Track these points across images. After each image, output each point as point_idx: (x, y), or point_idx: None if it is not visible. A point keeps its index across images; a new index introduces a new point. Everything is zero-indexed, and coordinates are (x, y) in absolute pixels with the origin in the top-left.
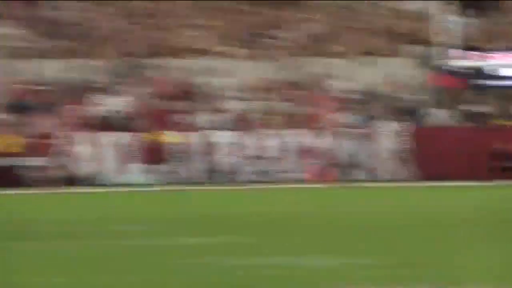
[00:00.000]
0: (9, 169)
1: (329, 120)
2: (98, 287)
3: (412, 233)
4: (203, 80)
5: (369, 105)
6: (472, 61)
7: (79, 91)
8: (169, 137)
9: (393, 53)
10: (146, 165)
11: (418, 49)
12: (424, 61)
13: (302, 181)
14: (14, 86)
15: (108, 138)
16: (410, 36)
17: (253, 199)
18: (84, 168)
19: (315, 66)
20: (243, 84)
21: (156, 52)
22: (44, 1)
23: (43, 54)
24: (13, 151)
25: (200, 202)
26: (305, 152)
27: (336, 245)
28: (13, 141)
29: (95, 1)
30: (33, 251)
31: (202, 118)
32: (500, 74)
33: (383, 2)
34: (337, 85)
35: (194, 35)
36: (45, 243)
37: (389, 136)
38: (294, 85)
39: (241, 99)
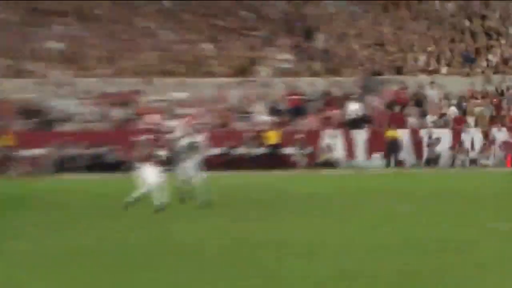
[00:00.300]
0: (275, 154)
1: None
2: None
3: None
4: (428, 92)
5: None
6: None
7: (335, 100)
8: (393, 133)
9: None
10: (381, 154)
11: None
12: None
13: (504, 166)
14: (288, 97)
15: (355, 133)
16: None
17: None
18: (336, 155)
19: (506, 81)
20: (458, 94)
21: (396, 70)
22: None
23: (305, 74)
24: (276, 142)
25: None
26: (505, 144)
27: None
28: (276, 135)
29: (348, 34)
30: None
31: (427, 119)
32: None
33: None
34: None
35: (422, 58)
36: (342, 209)
37: None
38: (496, 94)
39: (457, 105)
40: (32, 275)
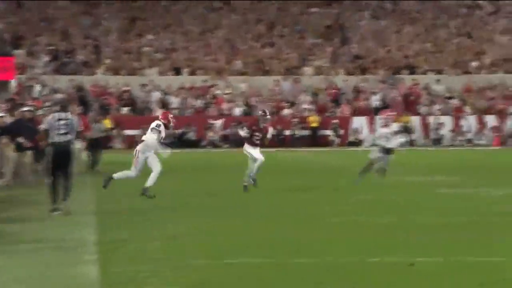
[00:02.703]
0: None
1: None
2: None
3: None
4: (435, 87)
5: None
6: None
7: (363, 93)
8: (407, 119)
9: None
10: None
11: None
12: None
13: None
14: (327, 90)
15: (378, 119)
16: None
17: None
18: (362, 136)
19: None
20: (458, 89)
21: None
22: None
23: (340, 72)
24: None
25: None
26: (494, 128)
27: None
28: (317, 119)
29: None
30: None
31: (434, 108)
32: None
33: None
34: None
35: (428, 60)
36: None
37: None
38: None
39: (457, 97)
40: None
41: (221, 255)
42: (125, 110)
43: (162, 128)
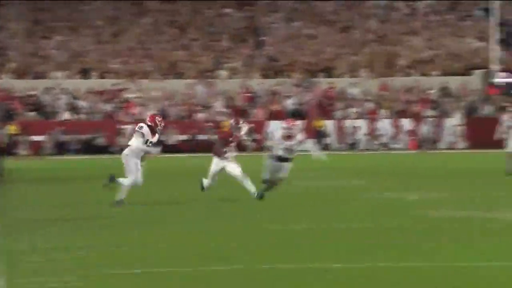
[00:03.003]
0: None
1: None
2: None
3: None
4: (351, 90)
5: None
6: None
7: (278, 96)
8: (320, 123)
9: None
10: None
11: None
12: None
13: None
14: (242, 94)
15: None
16: None
17: None
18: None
19: None
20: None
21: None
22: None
23: (255, 75)
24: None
25: None
26: (410, 132)
27: None
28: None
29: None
30: None
31: (349, 111)
32: None
33: None
34: None
35: (348, 63)
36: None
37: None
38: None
39: (373, 101)
40: None
41: (131, 265)
42: (31, 115)
43: (145, 130)
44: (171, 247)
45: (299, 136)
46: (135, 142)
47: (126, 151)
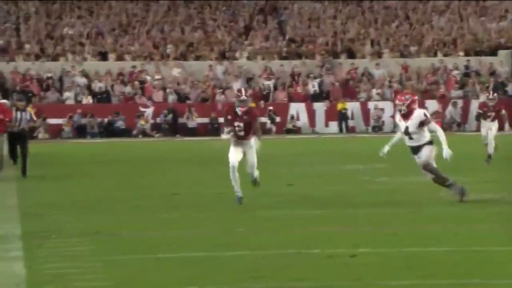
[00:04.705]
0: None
1: None
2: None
3: None
4: (374, 71)
5: None
6: None
7: (300, 78)
8: (344, 105)
9: None
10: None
11: None
12: None
13: None
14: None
15: (316, 105)
16: None
17: None
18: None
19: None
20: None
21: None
22: None
23: (276, 57)
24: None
25: None
26: (436, 113)
27: None
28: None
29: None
30: None
31: (373, 93)
32: None
33: None
34: None
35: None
36: None
37: None
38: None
39: (398, 82)
40: None
41: (152, 250)
42: (49, 97)
43: None
44: (192, 232)
45: None
46: None
47: None
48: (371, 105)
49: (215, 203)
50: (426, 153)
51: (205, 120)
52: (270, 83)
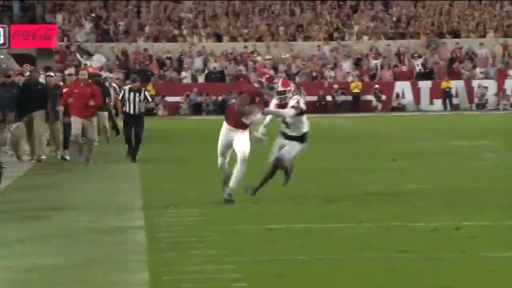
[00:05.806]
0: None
1: None
2: None
3: None
4: (478, 51)
5: None
6: None
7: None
8: (448, 83)
9: None
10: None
11: None
12: None
13: None
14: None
15: (421, 84)
16: None
17: None
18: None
19: None
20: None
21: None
22: None
23: (382, 37)
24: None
25: None
26: None
27: None
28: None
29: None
30: None
31: (477, 71)
32: None
33: None
34: None
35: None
36: None
37: None
38: None
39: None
40: None
41: (263, 221)
42: (167, 76)
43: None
44: (297, 205)
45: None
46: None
47: None
48: (475, 83)
49: (319, 177)
50: None
51: (313, 98)
52: (378, 62)
